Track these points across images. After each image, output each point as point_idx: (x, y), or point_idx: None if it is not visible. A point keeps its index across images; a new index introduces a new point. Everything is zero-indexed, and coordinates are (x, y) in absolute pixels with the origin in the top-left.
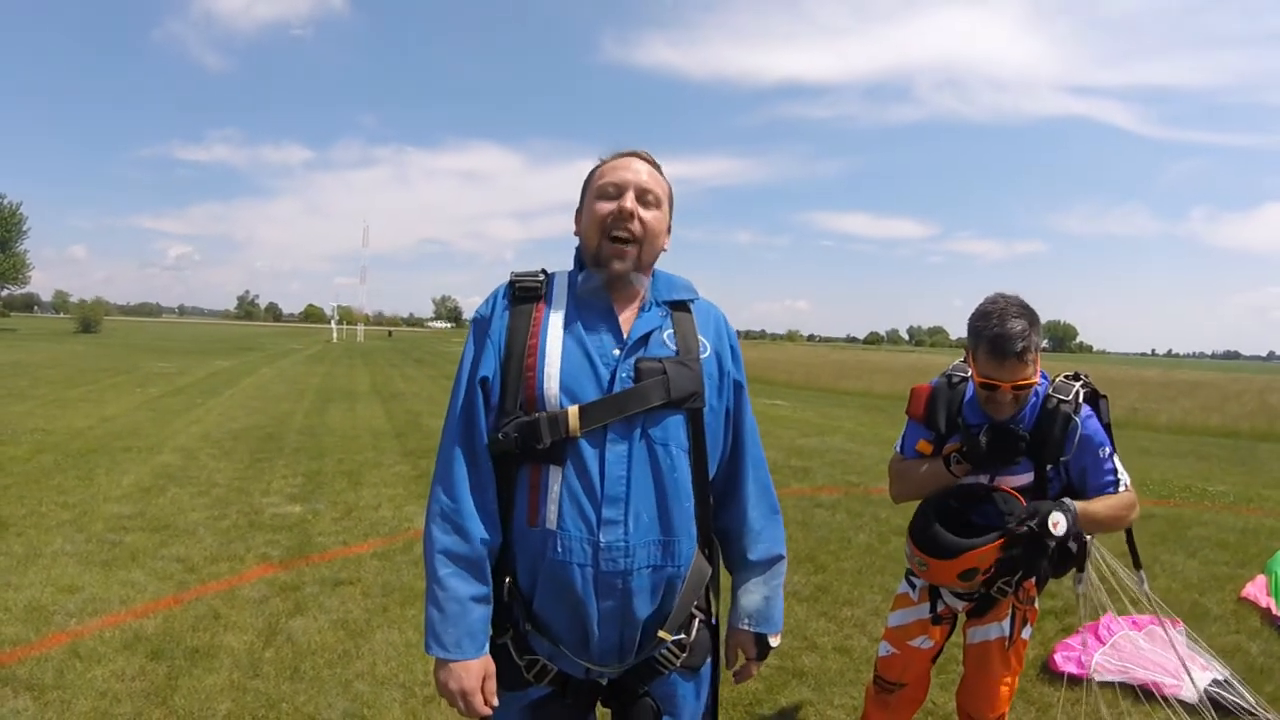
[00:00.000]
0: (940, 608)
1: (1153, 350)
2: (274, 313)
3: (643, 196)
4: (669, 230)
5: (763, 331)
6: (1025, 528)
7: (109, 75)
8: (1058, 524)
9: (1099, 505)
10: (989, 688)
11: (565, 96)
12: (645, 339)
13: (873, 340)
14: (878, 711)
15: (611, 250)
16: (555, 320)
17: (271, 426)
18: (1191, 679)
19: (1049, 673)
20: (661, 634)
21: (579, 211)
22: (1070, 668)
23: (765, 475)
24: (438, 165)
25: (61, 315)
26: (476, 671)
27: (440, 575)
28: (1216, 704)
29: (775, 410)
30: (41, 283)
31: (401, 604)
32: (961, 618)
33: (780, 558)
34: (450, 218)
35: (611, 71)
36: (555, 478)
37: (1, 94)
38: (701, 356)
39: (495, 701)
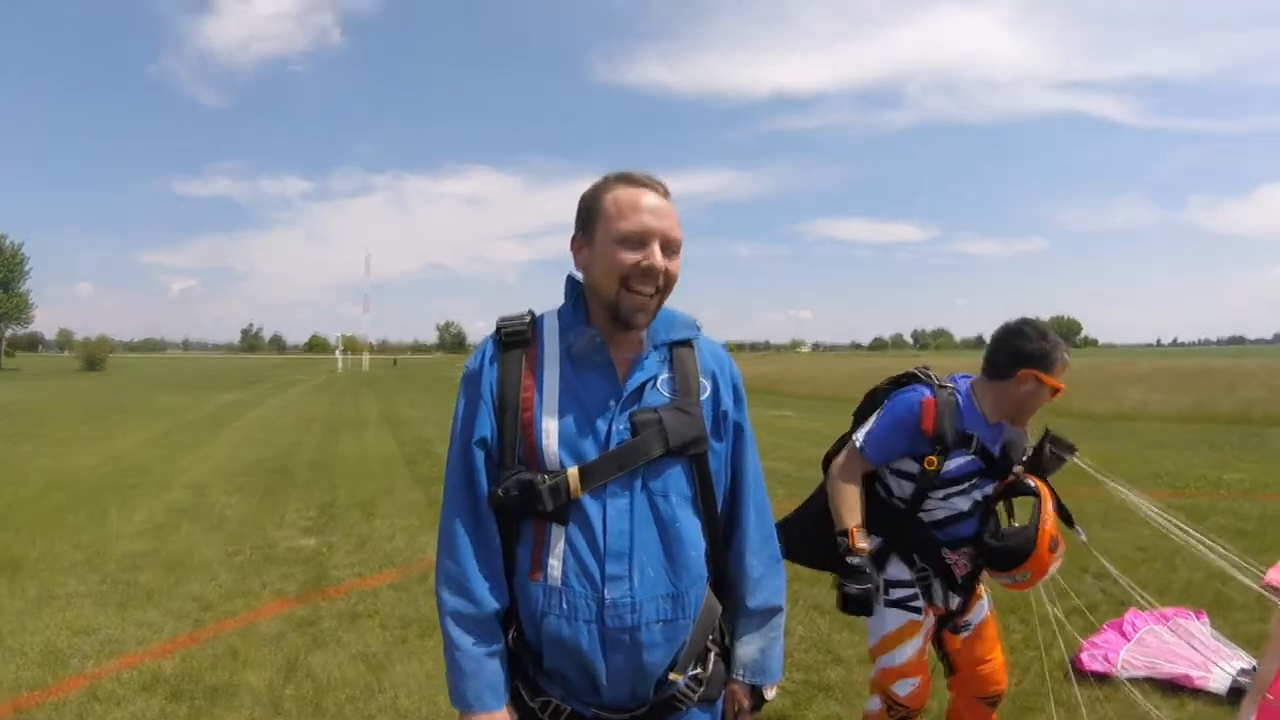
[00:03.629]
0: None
1: (1158, 340)
2: (278, 344)
3: (667, 246)
4: None
5: (766, 343)
6: None
7: (105, 112)
8: None
9: None
10: (993, 664)
11: (561, 117)
12: (640, 390)
13: (877, 345)
14: None
15: (635, 303)
16: (550, 373)
17: (282, 459)
18: (1220, 669)
19: (1076, 672)
20: (672, 676)
21: (578, 239)
22: (1097, 666)
23: (769, 522)
24: (437, 190)
25: (66, 353)
26: None
27: (452, 635)
28: (1245, 692)
29: (783, 421)
30: (45, 321)
31: (420, 635)
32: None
33: (779, 609)
34: (451, 243)
35: (605, 91)
36: (558, 535)
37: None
38: (701, 398)
39: None
